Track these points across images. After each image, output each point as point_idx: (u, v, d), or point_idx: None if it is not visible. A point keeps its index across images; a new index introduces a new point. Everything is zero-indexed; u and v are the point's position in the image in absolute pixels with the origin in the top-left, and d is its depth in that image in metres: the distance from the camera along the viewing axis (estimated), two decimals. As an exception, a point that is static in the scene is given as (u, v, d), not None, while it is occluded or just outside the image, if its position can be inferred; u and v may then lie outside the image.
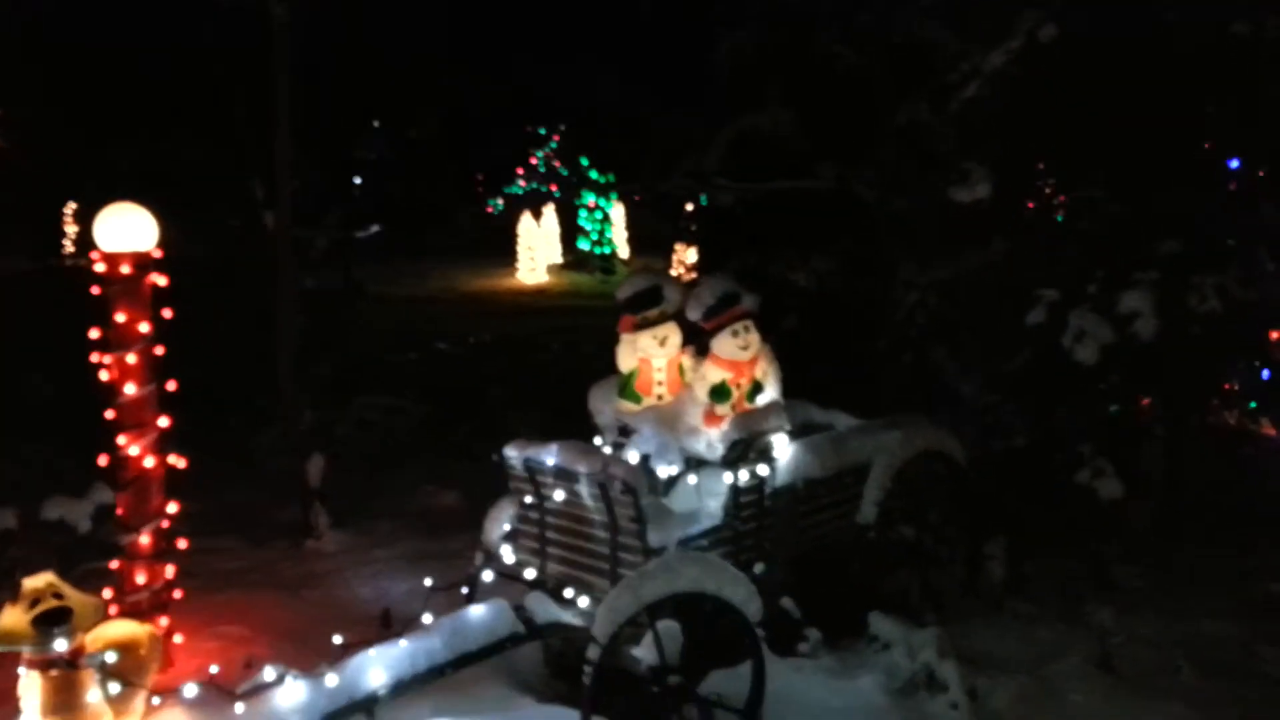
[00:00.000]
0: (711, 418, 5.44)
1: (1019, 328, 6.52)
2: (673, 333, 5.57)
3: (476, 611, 5.04)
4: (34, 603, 4.14)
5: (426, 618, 4.99)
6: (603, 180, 27.66)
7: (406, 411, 9.26)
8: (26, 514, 5.50)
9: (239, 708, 4.37)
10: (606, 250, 27.14)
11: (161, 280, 5.21)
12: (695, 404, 5.52)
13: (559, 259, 27.21)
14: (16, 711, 4.13)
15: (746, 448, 5.24)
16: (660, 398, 5.61)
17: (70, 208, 22.06)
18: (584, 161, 29.20)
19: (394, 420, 8.94)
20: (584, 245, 27.66)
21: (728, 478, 5.17)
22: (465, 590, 5.36)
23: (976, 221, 6.66)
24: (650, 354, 5.56)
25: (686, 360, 5.63)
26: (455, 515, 6.96)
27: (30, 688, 4.16)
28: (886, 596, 5.57)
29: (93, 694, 4.15)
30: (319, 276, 8.33)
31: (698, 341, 5.59)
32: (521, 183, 32.19)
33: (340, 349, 9.77)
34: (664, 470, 5.31)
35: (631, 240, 27.08)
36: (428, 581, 5.24)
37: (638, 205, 25.31)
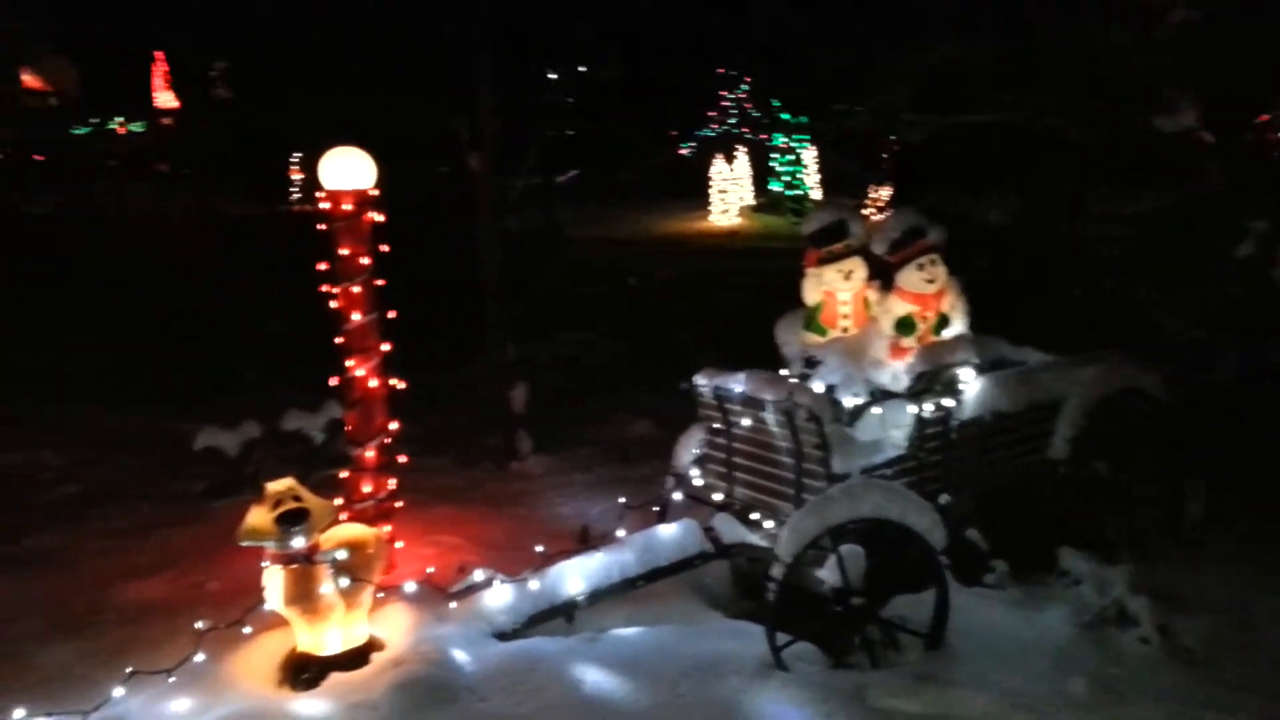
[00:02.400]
0: (897, 350, 5.48)
1: (1227, 260, 6.23)
2: (858, 266, 5.61)
3: (667, 530, 5.31)
4: (276, 504, 4.62)
5: (621, 534, 5.30)
6: (794, 121, 27.34)
7: (600, 345, 9.61)
8: (269, 426, 6.11)
9: (452, 605, 4.78)
10: (799, 192, 26.88)
11: (379, 217, 5.61)
12: (880, 337, 5.57)
13: (751, 201, 27.13)
14: (260, 600, 4.64)
15: (932, 380, 5.26)
16: (845, 330, 5.68)
17: (296, 157, 23.48)
18: (775, 103, 28.91)
19: (589, 353, 9.29)
20: (776, 187, 27.46)
21: (912, 409, 5.22)
22: (657, 510, 5.63)
23: (1179, 152, 6.37)
24: (835, 287, 5.63)
25: (872, 294, 5.67)
26: (646, 443, 7.24)
27: (273, 580, 4.66)
28: (1077, 533, 5.52)
29: (326, 587, 4.62)
30: (520, 218, 8.71)
31: (883, 275, 5.62)
32: (713, 125, 32.15)
33: (539, 286, 10.20)
34: (849, 400, 5.40)
35: (824, 182, 26.72)
36: (622, 501, 5.55)
37: (830, 146, 24.92)
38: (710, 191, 25.80)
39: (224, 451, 6.09)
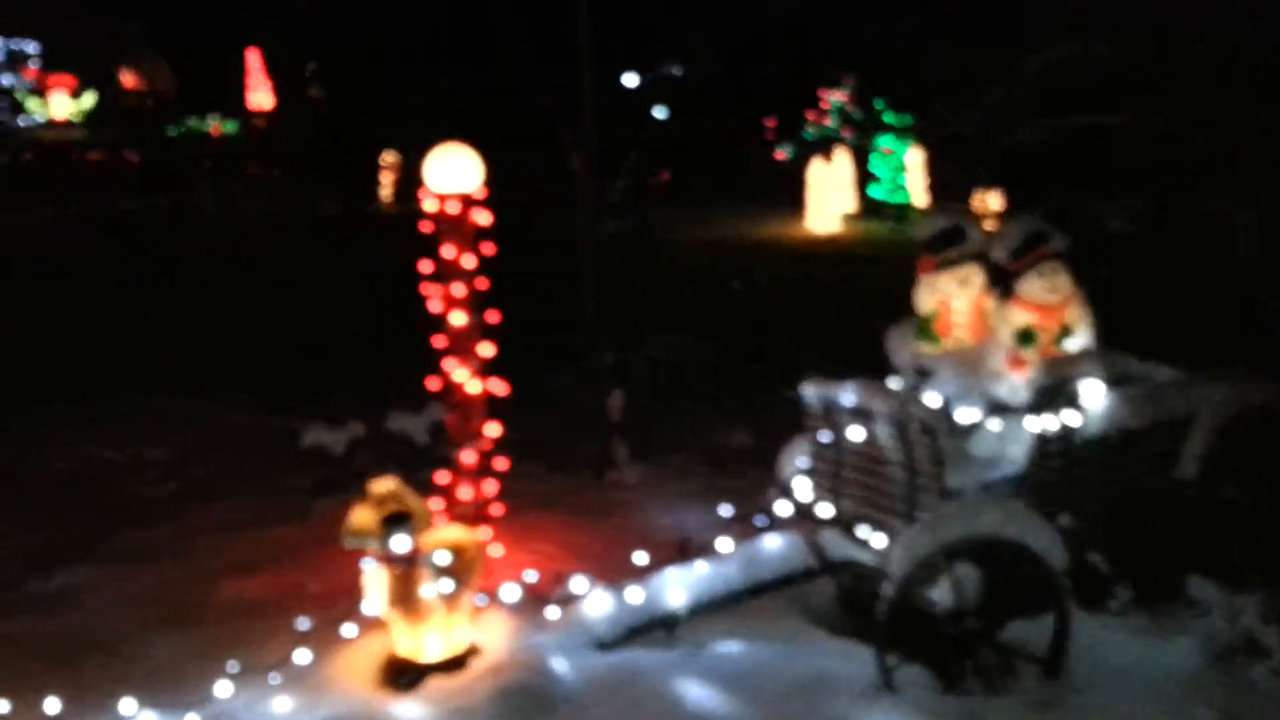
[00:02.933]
0: (1016, 362, 5.41)
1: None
2: (975, 274, 5.56)
3: (771, 543, 5.33)
4: (380, 505, 4.75)
5: (722, 546, 5.33)
6: (898, 123, 27.04)
7: (695, 350, 9.65)
8: (373, 426, 6.29)
9: (552, 613, 4.85)
10: (902, 199, 26.57)
11: (484, 218, 5.74)
12: (998, 348, 5.51)
13: (851, 207, 26.88)
14: (362, 601, 4.78)
15: (1054, 394, 5.19)
16: (961, 341, 5.63)
17: (387, 158, 23.94)
18: (879, 105, 28.63)
19: (684, 358, 9.34)
20: (877, 193, 27.19)
21: (1033, 424, 5.15)
22: (760, 523, 5.64)
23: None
24: (951, 295, 5.59)
25: (989, 303, 5.61)
26: (745, 452, 7.25)
27: (374, 581, 4.79)
28: (1205, 557, 5.38)
29: (427, 590, 4.73)
30: (617, 220, 8.84)
31: (1002, 283, 5.56)
32: (812, 127, 31.97)
33: (634, 290, 10.29)
34: (964, 414, 5.35)
35: (931, 188, 26.36)
36: (724, 511, 5.58)
37: (936, 150, 24.58)
38: (809, 196, 25.64)
39: (329, 450, 6.28)
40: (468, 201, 5.73)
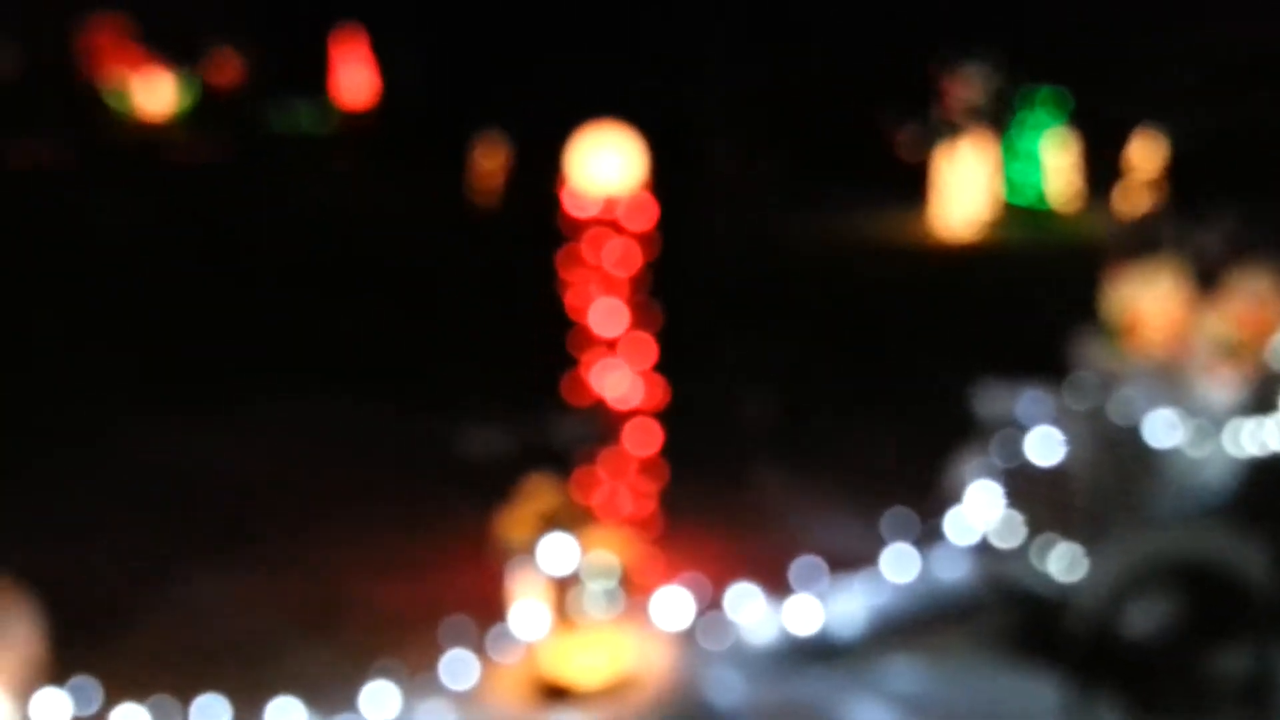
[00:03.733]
0: (1218, 373, 5.33)
1: None
2: (1172, 277, 5.50)
3: (948, 564, 5.34)
4: (538, 514, 4.88)
5: (889, 565, 5.36)
6: (1044, 113, 26.58)
7: (832, 357, 9.66)
8: (530, 432, 6.46)
9: (712, 628, 4.94)
10: (1044, 197, 26.09)
11: (635, 216, 5.85)
12: (1197, 356, 5.43)
13: (988, 205, 26.42)
14: (514, 610, 4.90)
15: (1259, 406, 5.12)
16: (1154, 348, 5.56)
17: (494, 147, 24.20)
18: (1021, 92, 28.17)
19: (822, 364, 9.36)
20: (1018, 189, 26.73)
21: (1235, 439, 5.08)
22: (928, 541, 5.64)
23: None
24: (1145, 300, 5.53)
25: (1187, 308, 5.54)
26: (901, 465, 7.23)
27: (529, 591, 4.92)
28: None
29: (586, 594, 4.84)
30: (748, 212, 8.93)
31: (1204, 287, 5.48)
32: (944, 117, 31.54)
33: (766, 291, 10.37)
34: (1158, 427, 5.29)
35: (1087, 182, 25.71)
36: (888, 527, 5.60)
37: (1083, 143, 24.09)
38: (939, 192, 25.32)
39: (484, 455, 6.45)
40: (615, 197, 5.83)
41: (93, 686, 4.54)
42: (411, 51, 29.79)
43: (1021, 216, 24.74)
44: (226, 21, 30.41)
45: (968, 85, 31.09)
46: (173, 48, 28.71)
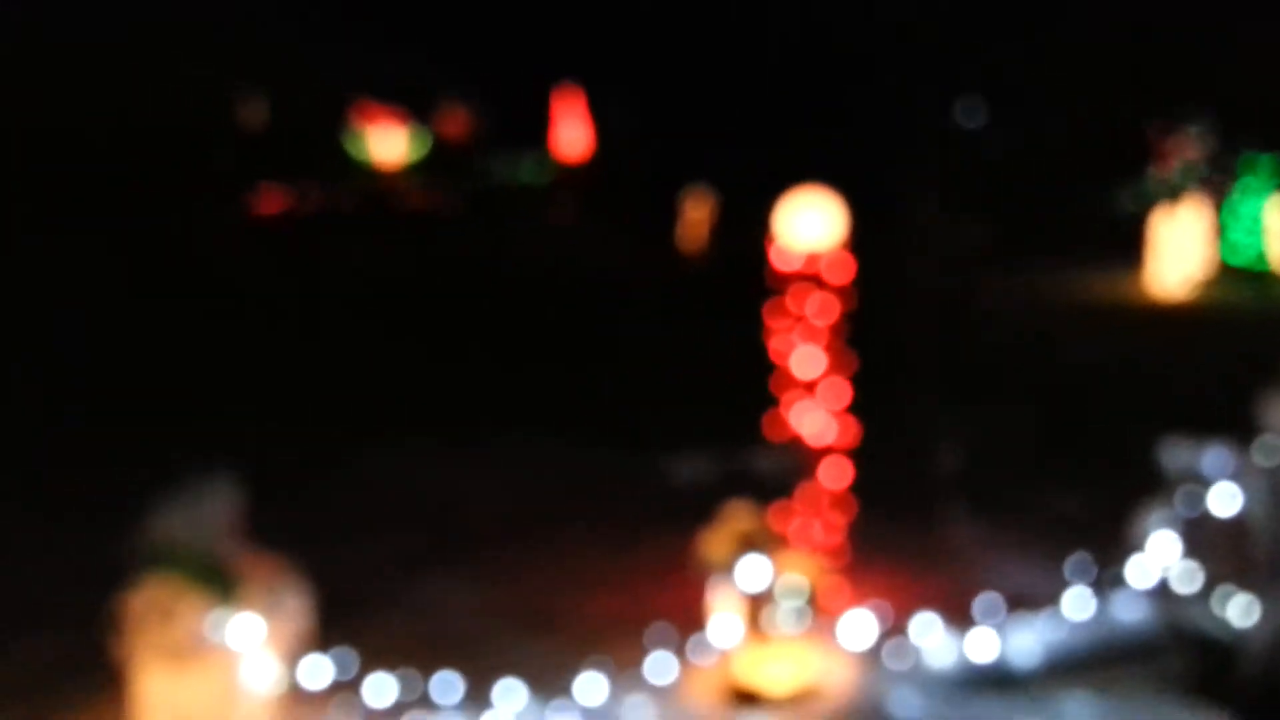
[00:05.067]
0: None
1: None
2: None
3: (1127, 609, 5.62)
4: (736, 536, 5.43)
5: (1070, 605, 5.67)
6: (1266, 177, 25.72)
7: (1021, 411, 9.90)
8: (734, 462, 7.05)
9: (899, 643, 5.37)
10: (1261, 258, 25.18)
11: (836, 271, 6.37)
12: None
13: (1204, 268, 25.65)
14: (711, 625, 5.45)
15: None
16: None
17: (699, 200, 25.04)
18: (1242, 152, 27.32)
19: (1009, 419, 9.61)
20: (1237, 251, 25.87)
21: None
22: (1108, 586, 5.92)
23: None
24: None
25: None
26: (1083, 515, 7.46)
27: (725, 607, 5.45)
28: None
29: (780, 614, 5.35)
30: (951, 270, 9.29)
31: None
32: (1158, 174, 30.76)
33: (965, 346, 10.66)
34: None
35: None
36: (1070, 570, 5.91)
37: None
38: (1152, 254, 24.78)
39: (693, 483, 7.10)
40: (822, 251, 6.37)
41: (350, 656, 5.31)
42: (626, 109, 31.10)
43: (1239, 278, 23.99)
44: (456, 78, 32.40)
45: (1187, 147, 30.33)
46: (407, 102, 30.79)
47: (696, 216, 25.68)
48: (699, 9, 21.93)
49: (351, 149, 30.74)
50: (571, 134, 31.89)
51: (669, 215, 23.66)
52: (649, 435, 8.72)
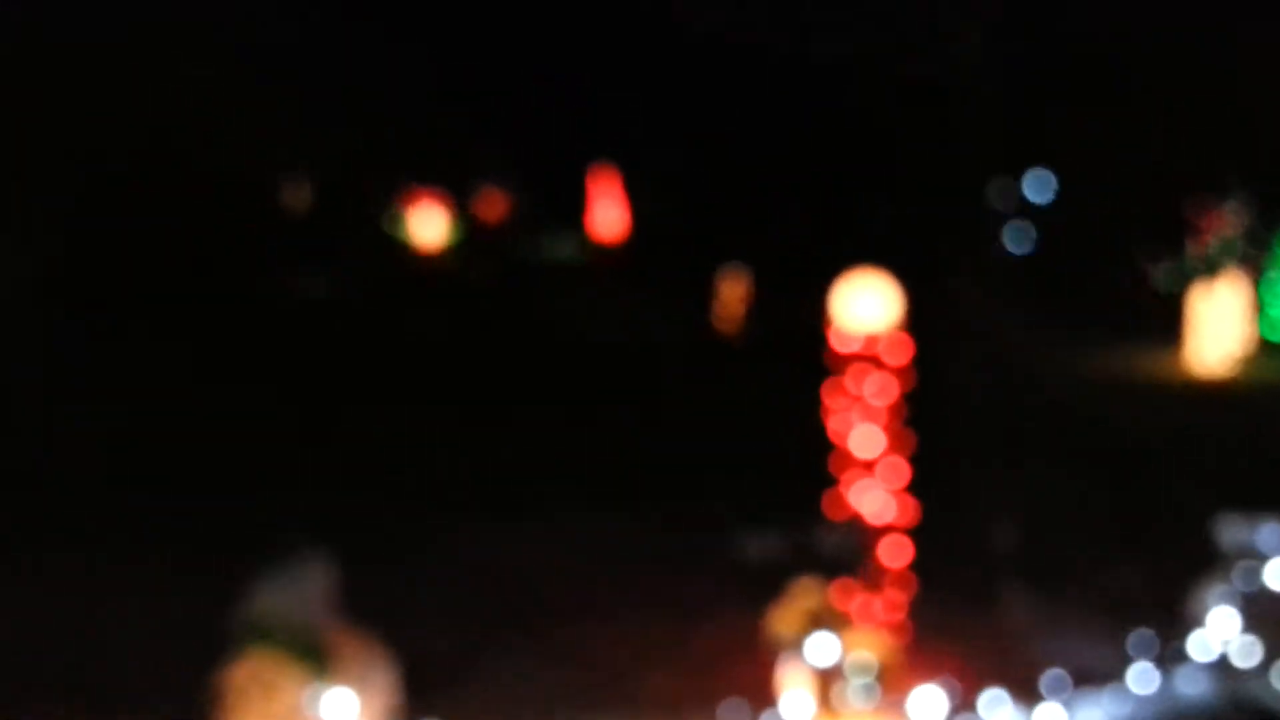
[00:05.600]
0: None
1: None
2: None
3: (1189, 683, 5.75)
4: (804, 610, 5.61)
5: (1135, 681, 5.80)
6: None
7: (1079, 486, 10.04)
8: (799, 538, 7.24)
9: (966, 717, 5.52)
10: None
11: (894, 351, 6.61)
12: None
13: (1243, 344, 25.65)
14: (781, 702, 5.60)
15: None
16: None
17: (735, 278, 25.40)
18: (1277, 223, 27.47)
19: (1068, 494, 9.76)
20: (1275, 327, 25.92)
21: None
22: (1171, 661, 6.05)
23: None
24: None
25: None
26: (1141, 590, 7.58)
27: (796, 681, 5.62)
28: None
29: (850, 691, 5.51)
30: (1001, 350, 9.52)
31: None
32: (1195, 248, 30.89)
33: (1018, 423, 10.85)
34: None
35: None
36: (1132, 645, 6.04)
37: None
38: (1191, 329, 24.84)
39: (760, 560, 7.33)
40: (878, 334, 6.62)
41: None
42: (662, 189, 31.66)
43: (1278, 354, 24.02)
44: (495, 160, 33.14)
45: (1224, 222, 30.55)
46: (447, 184, 31.49)
47: (731, 294, 26.03)
48: (736, 91, 22.39)
49: (393, 230, 31.42)
50: (607, 213, 32.50)
51: (705, 294, 23.99)
52: (711, 511, 8.96)
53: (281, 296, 23.89)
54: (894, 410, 6.56)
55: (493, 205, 32.78)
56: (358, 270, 27.73)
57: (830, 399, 6.67)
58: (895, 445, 6.54)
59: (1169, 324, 25.41)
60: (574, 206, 32.24)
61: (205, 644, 4.99)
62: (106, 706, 6.32)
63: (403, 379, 14.93)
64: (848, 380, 6.62)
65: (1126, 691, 5.82)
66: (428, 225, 31.31)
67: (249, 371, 14.71)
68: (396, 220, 31.59)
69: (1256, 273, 27.43)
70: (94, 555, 8.57)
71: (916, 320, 6.98)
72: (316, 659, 4.85)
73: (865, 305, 6.63)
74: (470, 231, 31.98)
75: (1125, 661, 5.99)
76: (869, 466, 6.50)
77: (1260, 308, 26.55)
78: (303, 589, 4.86)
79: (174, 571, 8.08)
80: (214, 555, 7.33)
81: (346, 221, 31.44)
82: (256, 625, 4.82)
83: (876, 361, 6.57)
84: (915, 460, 6.67)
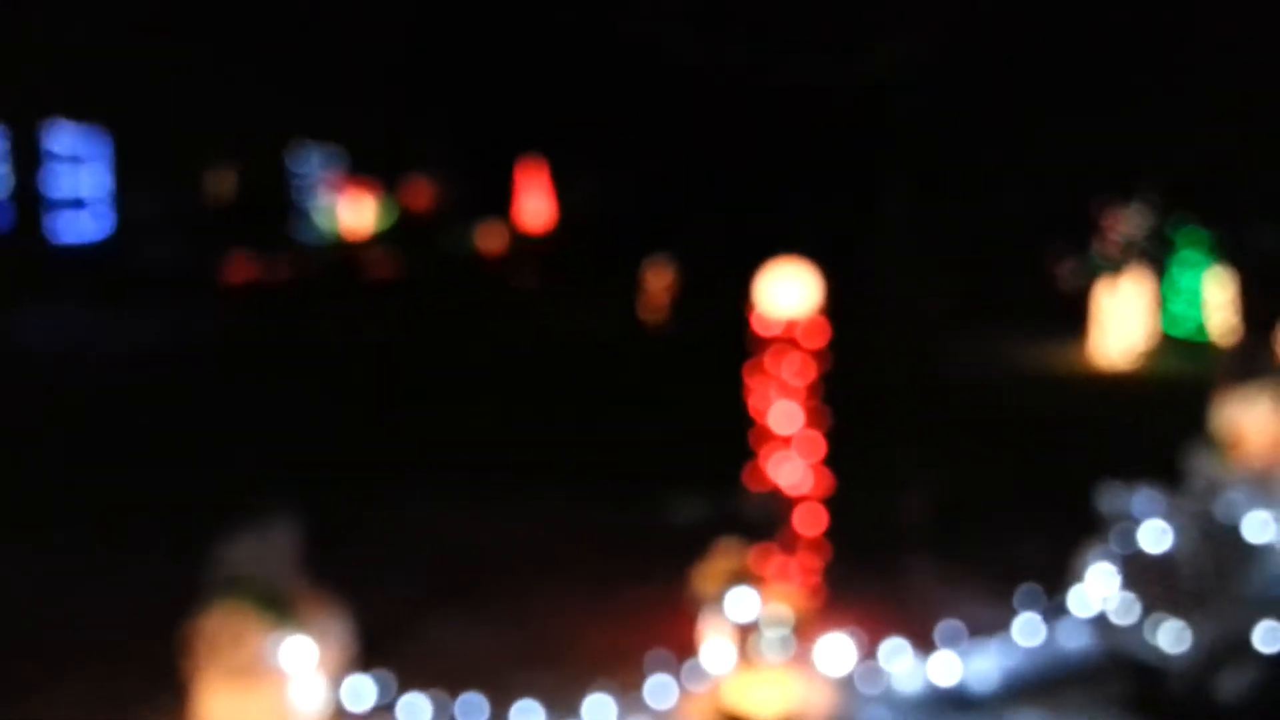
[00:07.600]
0: (1307, 481, 6.34)
1: None
2: (1271, 400, 6.53)
3: (1070, 635, 6.40)
4: (724, 570, 6.16)
5: (1022, 633, 6.43)
6: (1202, 246, 27.03)
7: (980, 464, 10.76)
8: (722, 504, 7.79)
9: (871, 668, 6.11)
10: (1200, 330, 26.35)
11: (812, 335, 7.17)
12: (1290, 468, 6.45)
13: (1146, 339, 26.74)
14: (702, 654, 6.15)
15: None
16: (1255, 460, 6.58)
17: (660, 270, 25.98)
18: (1178, 225, 28.68)
19: (972, 471, 10.46)
20: (1177, 322, 27.08)
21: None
22: (1053, 616, 6.70)
23: None
24: (1247, 419, 6.57)
25: (1284, 426, 6.57)
26: (1035, 555, 8.25)
27: (716, 636, 6.16)
28: None
29: (765, 640, 6.06)
30: (914, 335, 10.17)
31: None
32: (1103, 246, 32.10)
33: (928, 405, 11.55)
34: (1255, 525, 6.29)
35: (1237, 318, 26.00)
36: (1021, 602, 6.68)
37: (1246, 276, 24.50)
38: (1095, 325, 25.83)
39: (685, 524, 7.89)
40: (796, 320, 7.18)
41: (390, 677, 5.95)
42: (588, 182, 32.16)
43: (1179, 348, 25.18)
44: (423, 152, 33.41)
45: (1128, 223, 31.74)
46: (376, 174, 31.76)
47: (658, 286, 26.61)
48: (663, 88, 22.93)
49: (320, 218, 31.57)
50: (533, 205, 32.92)
51: (630, 285, 24.48)
52: (643, 485, 9.56)
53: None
54: (811, 390, 7.10)
55: (421, 194, 33.05)
56: (283, 255, 27.89)
57: (751, 379, 7.20)
58: (812, 422, 7.09)
59: (1075, 319, 26.47)
60: (502, 198, 32.63)
61: (178, 601, 5.42)
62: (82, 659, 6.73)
63: (354, 373, 15.51)
64: (768, 362, 7.16)
65: (1013, 643, 6.45)
66: (355, 213, 31.56)
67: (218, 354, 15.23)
68: (324, 209, 31.76)
69: (1159, 271, 28.64)
70: (70, 528, 9.10)
71: (834, 307, 7.55)
72: (280, 611, 5.29)
73: (785, 292, 7.17)
74: (398, 220, 32.27)
75: (1013, 615, 6.62)
76: (787, 441, 7.05)
77: (1162, 304, 27.75)
78: (270, 547, 5.30)
79: (146, 537, 8.67)
80: (185, 522, 7.76)
81: (272, 207, 31.45)
82: (226, 579, 5.24)
83: (795, 344, 7.13)
84: (830, 436, 7.22)
